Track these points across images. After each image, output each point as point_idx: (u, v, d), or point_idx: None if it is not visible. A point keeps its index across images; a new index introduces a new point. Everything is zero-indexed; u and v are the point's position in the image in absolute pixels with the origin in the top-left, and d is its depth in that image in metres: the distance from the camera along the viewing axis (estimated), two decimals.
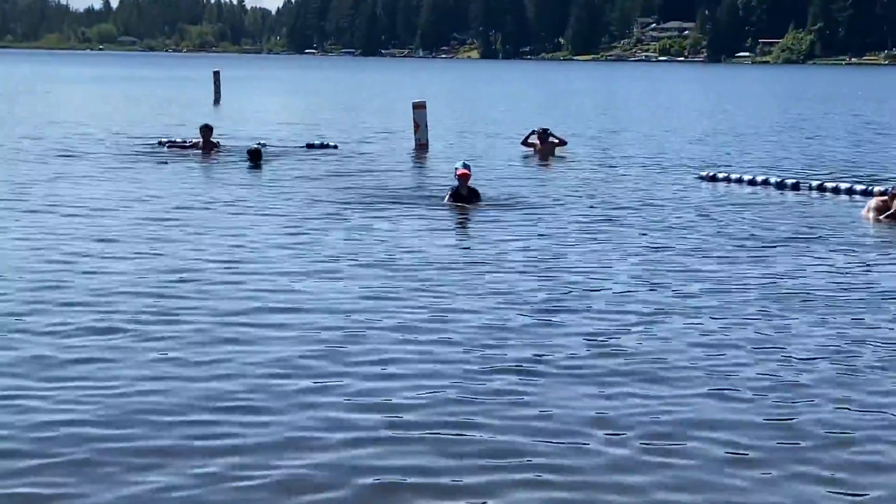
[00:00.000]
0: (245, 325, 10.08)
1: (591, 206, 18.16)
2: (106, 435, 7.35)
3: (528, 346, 9.53)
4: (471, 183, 17.88)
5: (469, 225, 16.56)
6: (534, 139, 27.40)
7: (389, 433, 7.45)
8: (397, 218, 16.66)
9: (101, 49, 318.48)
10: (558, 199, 18.95)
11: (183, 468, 6.83)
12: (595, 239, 15.01)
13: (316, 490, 6.58)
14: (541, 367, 8.93)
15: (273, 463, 6.93)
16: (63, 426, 7.47)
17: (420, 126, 29.00)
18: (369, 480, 6.71)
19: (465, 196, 17.70)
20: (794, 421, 7.82)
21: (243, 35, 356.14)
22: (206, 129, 26.87)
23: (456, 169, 18.03)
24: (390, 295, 11.30)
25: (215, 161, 24.85)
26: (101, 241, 14.36)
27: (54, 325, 9.98)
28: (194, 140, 27.20)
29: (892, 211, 16.81)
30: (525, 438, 7.36)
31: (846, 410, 8.05)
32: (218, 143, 26.91)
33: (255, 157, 24.22)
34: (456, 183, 17.93)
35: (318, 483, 6.67)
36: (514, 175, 22.94)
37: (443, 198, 18.08)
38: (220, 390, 8.29)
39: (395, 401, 8.08)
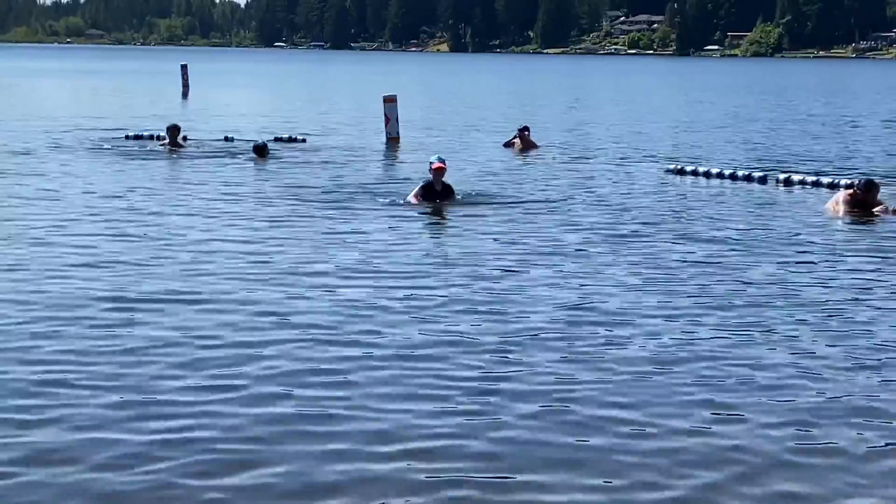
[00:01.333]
0: (195, 329, 9.81)
1: (560, 202, 17.98)
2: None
3: (497, 351, 9.55)
4: (445, 178, 17.36)
5: (443, 223, 16.15)
6: (515, 141, 27.44)
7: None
8: (366, 216, 16.28)
9: (69, 42, 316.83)
10: (529, 196, 18.79)
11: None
12: (562, 237, 14.84)
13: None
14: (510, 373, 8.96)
15: (221, 470, 6.85)
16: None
17: (391, 120, 28.94)
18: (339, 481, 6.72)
19: (438, 192, 17.06)
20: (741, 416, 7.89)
21: (212, 28, 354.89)
22: (174, 130, 26.02)
23: (431, 163, 17.28)
24: (355, 300, 10.91)
25: (178, 157, 24.45)
26: (54, 233, 14.35)
27: None
28: (162, 139, 27.21)
29: (878, 208, 16.89)
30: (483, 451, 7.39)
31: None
32: (185, 138, 26.89)
33: (261, 153, 24.08)
34: (429, 177, 17.23)
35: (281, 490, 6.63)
36: (487, 171, 22.70)
37: (410, 192, 17.47)
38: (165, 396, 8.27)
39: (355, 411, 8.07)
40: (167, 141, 25.87)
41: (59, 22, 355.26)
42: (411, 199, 17.21)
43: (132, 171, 21.65)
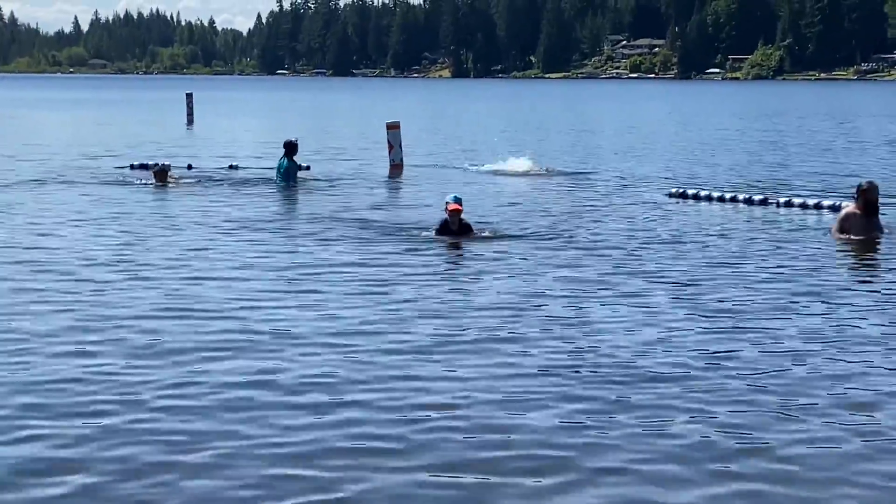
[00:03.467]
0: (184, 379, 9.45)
1: (562, 232, 17.66)
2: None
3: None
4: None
5: (447, 256, 15.84)
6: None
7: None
8: (372, 249, 15.93)
9: (71, 72, 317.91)
10: (532, 225, 18.45)
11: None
12: (568, 265, 14.82)
13: None
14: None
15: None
16: None
17: (394, 146, 28.97)
18: None
19: (454, 232, 16.55)
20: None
21: (214, 57, 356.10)
22: (161, 174, 24.52)
23: (447, 203, 16.76)
24: (362, 348, 10.31)
25: (176, 188, 24.02)
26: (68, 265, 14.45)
27: None
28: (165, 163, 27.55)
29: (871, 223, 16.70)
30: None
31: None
32: (189, 166, 27.21)
33: (292, 149, 24.80)
34: (445, 216, 16.69)
35: None
36: (490, 199, 22.56)
37: (427, 230, 17.07)
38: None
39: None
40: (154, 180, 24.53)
41: (62, 52, 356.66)
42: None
43: (130, 202, 21.71)
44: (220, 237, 17.00)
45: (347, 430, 7.94)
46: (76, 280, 13.34)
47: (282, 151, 25.07)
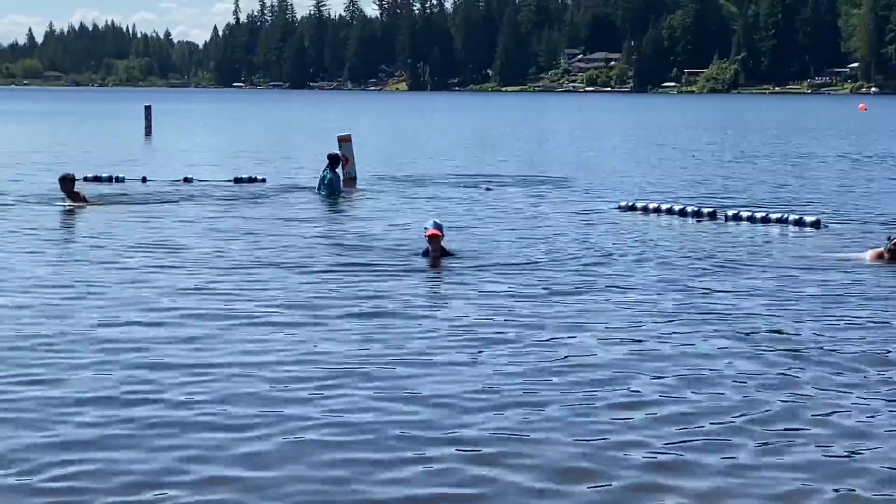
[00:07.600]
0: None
1: (508, 242, 17.76)
2: None
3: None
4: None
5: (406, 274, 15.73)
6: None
7: None
8: (327, 266, 15.69)
9: (26, 84, 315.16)
10: (482, 241, 18.19)
11: None
12: (513, 277, 14.89)
13: None
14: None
15: None
16: None
17: (349, 160, 28.72)
18: None
19: (436, 259, 15.77)
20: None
21: (170, 69, 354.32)
22: (65, 182, 22.86)
23: (425, 229, 15.93)
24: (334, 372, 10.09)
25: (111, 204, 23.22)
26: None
27: None
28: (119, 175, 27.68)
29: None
30: None
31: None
32: (144, 179, 27.29)
33: (336, 161, 25.48)
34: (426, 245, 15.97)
35: None
36: (446, 215, 22.38)
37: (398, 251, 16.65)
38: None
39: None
40: (66, 197, 22.76)
41: (16, 64, 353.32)
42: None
43: (88, 217, 21.59)
44: (163, 252, 16.75)
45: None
46: None
47: (325, 163, 25.78)
